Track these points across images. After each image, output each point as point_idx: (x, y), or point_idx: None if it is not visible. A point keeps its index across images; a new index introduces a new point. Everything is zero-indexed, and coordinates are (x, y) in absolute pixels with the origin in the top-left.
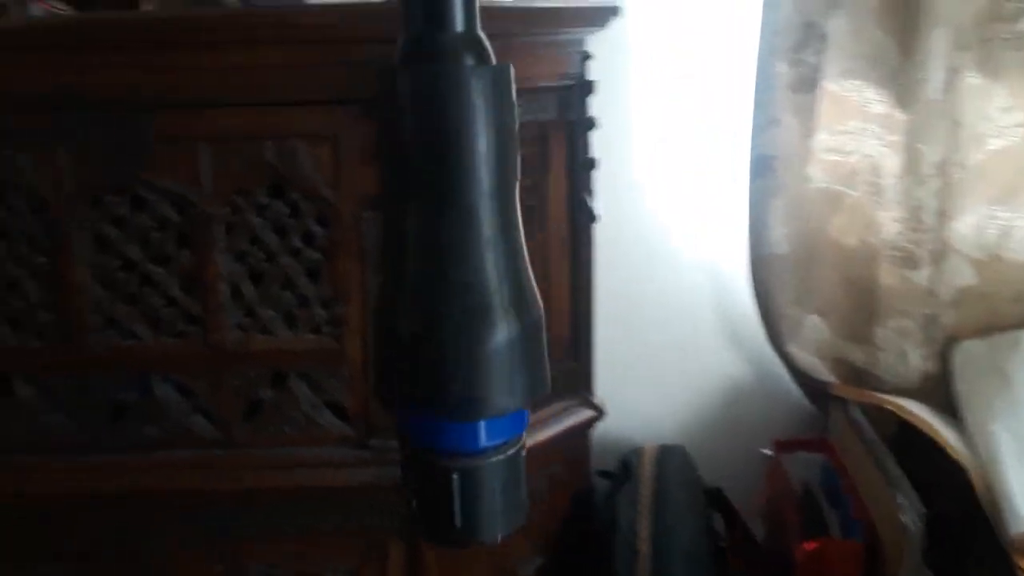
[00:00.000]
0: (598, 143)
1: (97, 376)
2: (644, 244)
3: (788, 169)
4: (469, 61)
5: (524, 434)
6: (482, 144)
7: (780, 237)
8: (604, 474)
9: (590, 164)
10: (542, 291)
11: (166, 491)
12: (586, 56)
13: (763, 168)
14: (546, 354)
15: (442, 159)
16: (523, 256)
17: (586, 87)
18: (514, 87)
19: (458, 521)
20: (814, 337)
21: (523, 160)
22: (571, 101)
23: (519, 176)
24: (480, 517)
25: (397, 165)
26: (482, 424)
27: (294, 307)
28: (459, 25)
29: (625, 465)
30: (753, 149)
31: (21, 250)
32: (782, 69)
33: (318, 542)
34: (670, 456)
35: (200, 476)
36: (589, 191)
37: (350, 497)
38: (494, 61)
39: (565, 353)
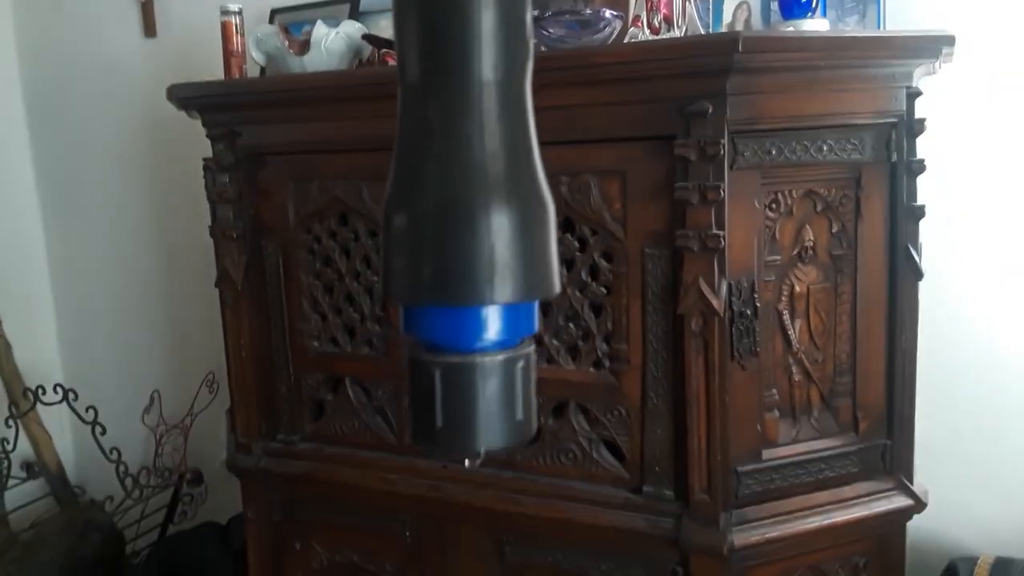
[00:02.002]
0: (928, 189)
1: None
2: (983, 307)
3: None
4: None
5: (529, 344)
6: (484, 16)
7: None
8: None
9: (917, 213)
10: (847, 351)
11: (460, 503)
12: (914, 93)
13: None
14: (553, 250)
15: (437, 34)
16: (529, 144)
17: (913, 126)
18: None
19: (439, 420)
20: None
21: (831, 203)
22: (893, 140)
23: (530, 60)
24: (464, 421)
25: (402, 51)
26: (468, 317)
27: (578, 340)
28: None
29: (952, 573)
30: None
31: (360, 268)
32: None
33: None
34: (1011, 571)
35: (487, 495)
36: (915, 243)
37: (621, 541)
38: None
39: (876, 426)
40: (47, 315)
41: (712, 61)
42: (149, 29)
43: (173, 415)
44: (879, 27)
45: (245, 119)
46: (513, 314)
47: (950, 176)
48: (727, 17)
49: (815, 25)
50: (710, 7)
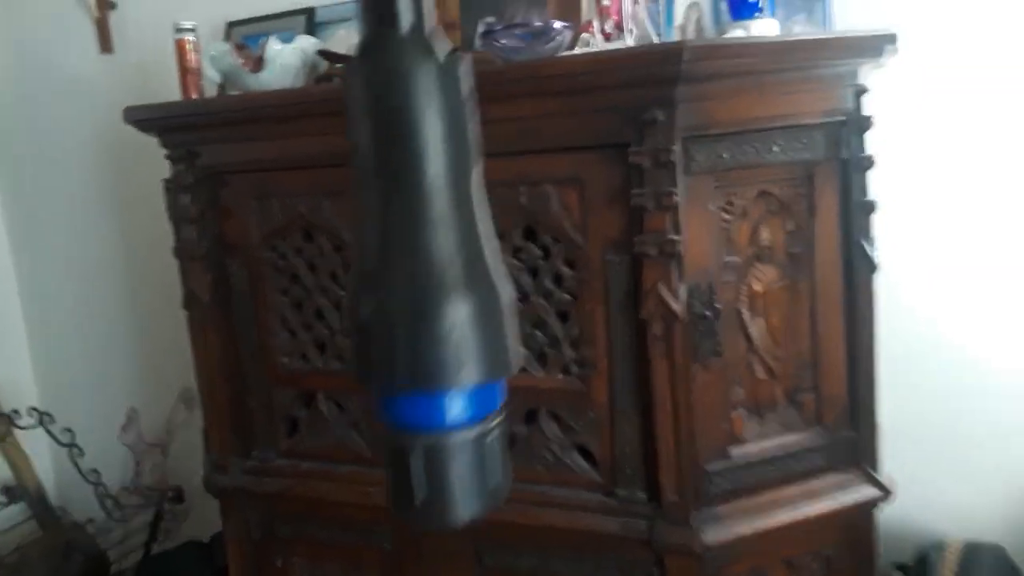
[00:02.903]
0: (878, 184)
1: None
2: (938, 299)
3: None
4: (414, 56)
5: (496, 417)
6: (429, 131)
7: None
8: (900, 568)
9: (869, 207)
10: (808, 346)
11: None
12: (861, 90)
13: None
14: (512, 332)
15: (389, 147)
16: (480, 235)
17: (861, 122)
18: (468, 77)
19: (418, 499)
20: None
21: (785, 202)
22: (843, 138)
23: (479, 158)
24: (441, 496)
25: (356, 157)
26: (439, 400)
27: (545, 346)
28: (407, 23)
29: (923, 560)
30: None
31: (326, 283)
32: None
33: None
34: (980, 555)
35: None
36: (868, 237)
37: (597, 545)
38: (444, 55)
39: (840, 419)
40: (18, 336)
41: (660, 71)
42: (105, 45)
43: (151, 432)
44: (825, 25)
45: (203, 139)
46: (480, 393)
47: (900, 169)
48: (678, 19)
49: (763, 27)
50: (660, 8)
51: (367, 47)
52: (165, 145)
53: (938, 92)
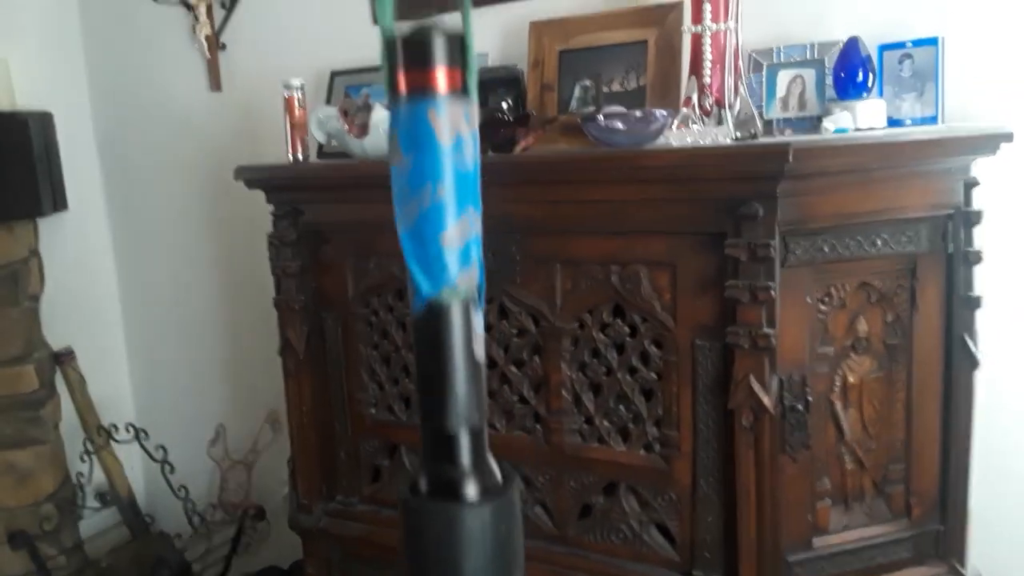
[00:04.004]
0: (985, 279)
1: None
2: None
3: None
4: (470, 496)
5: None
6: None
7: None
8: None
9: (974, 303)
10: (901, 438)
11: None
12: (972, 183)
13: None
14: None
15: None
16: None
17: (971, 216)
18: (519, 508)
19: None
20: None
21: (885, 294)
22: (950, 231)
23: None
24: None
25: None
26: None
27: (628, 422)
28: (466, 460)
29: None
30: None
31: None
32: None
33: None
34: None
35: (539, 569)
36: (971, 332)
37: None
38: (500, 484)
39: (928, 512)
40: (120, 356)
41: (762, 168)
42: (215, 83)
43: (237, 450)
44: (936, 106)
45: (308, 199)
46: None
47: (1005, 263)
48: (781, 90)
49: (870, 109)
50: (763, 79)
51: (426, 483)
52: (271, 201)
53: None
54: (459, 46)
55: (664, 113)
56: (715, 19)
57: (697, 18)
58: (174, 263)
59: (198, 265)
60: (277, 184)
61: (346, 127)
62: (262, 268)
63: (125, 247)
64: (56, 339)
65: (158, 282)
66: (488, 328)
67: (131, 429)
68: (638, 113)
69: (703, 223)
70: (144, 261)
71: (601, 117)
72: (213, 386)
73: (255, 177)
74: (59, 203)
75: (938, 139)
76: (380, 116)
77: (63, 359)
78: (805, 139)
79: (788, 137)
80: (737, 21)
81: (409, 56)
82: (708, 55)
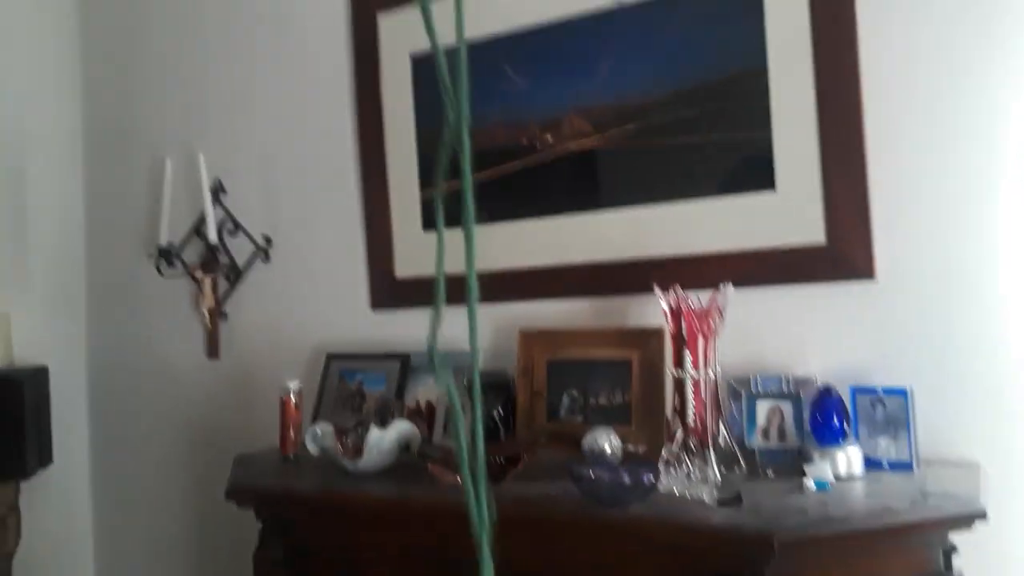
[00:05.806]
0: None
1: None
2: None
3: None
4: None
5: None
6: None
7: None
8: None
9: None
10: None
11: None
12: (950, 549)
13: None
14: None
15: None
16: None
17: None
18: None
19: None
20: None
21: None
22: None
23: None
24: None
25: None
26: None
27: None
28: None
29: None
30: None
31: None
32: None
33: None
34: None
35: None
36: None
37: None
38: None
39: None
40: None
41: (747, 551)
42: (212, 352)
43: None
44: (910, 452)
45: (298, 520)
46: None
47: None
48: (760, 419)
49: (848, 457)
50: (743, 408)
51: None
52: (259, 516)
53: None
54: None
55: (649, 477)
56: (695, 366)
57: (677, 362)
58: (153, 528)
59: (177, 533)
60: (267, 501)
61: (340, 449)
62: (246, 545)
63: (105, 506)
64: None
65: (135, 550)
66: None
67: None
68: (625, 473)
69: None
70: (123, 523)
71: (591, 472)
72: None
73: (247, 495)
74: (44, 459)
75: (916, 522)
76: (375, 437)
77: None
78: (790, 531)
79: (771, 513)
80: (716, 366)
81: None
82: (690, 399)
